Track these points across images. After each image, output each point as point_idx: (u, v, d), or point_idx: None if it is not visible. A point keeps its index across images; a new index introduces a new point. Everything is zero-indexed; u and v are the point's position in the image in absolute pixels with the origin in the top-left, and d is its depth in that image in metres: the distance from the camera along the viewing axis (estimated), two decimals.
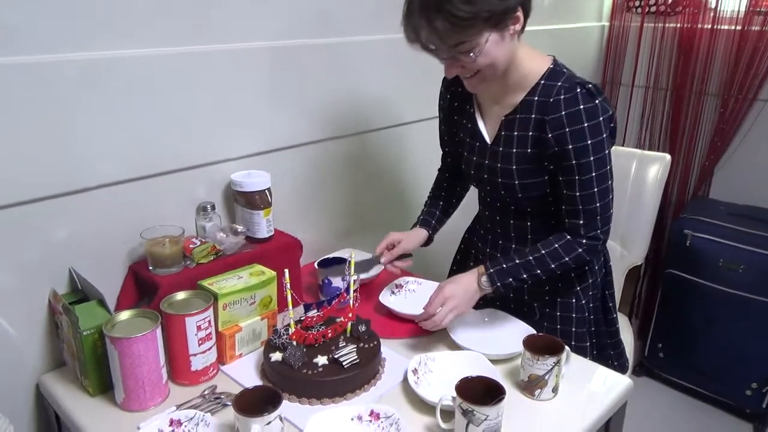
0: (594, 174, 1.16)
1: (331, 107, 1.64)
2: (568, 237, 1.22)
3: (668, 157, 1.93)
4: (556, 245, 1.23)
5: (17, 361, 1.19)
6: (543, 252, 1.23)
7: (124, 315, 1.12)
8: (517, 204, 1.32)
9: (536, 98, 1.20)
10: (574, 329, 1.37)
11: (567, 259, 1.22)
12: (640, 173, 1.94)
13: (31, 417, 1.24)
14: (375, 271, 1.47)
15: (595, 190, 1.17)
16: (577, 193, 1.18)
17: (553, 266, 1.22)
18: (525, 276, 1.23)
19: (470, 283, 1.25)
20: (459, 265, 1.59)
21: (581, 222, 1.21)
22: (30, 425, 1.25)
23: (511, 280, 1.23)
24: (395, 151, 1.90)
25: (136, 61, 1.22)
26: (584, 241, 1.22)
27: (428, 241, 1.45)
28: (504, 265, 1.23)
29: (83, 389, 1.15)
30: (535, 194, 1.26)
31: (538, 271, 1.22)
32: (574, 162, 1.16)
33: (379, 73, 1.74)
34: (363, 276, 1.42)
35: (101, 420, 1.07)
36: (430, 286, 1.48)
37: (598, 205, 1.19)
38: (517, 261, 1.23)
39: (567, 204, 1.21)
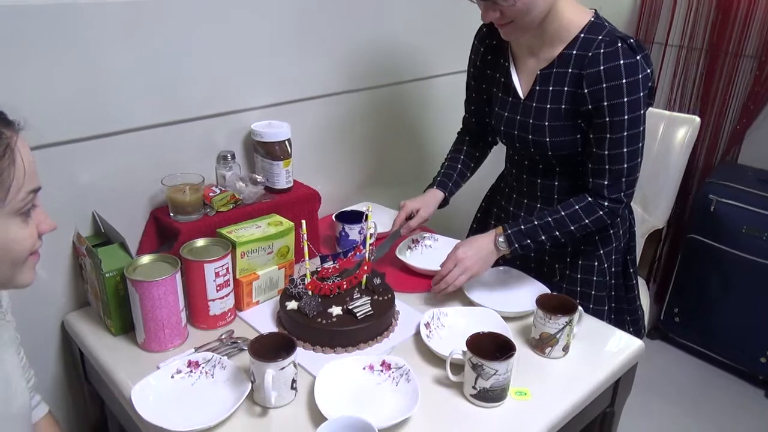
0: (626, 134, 1.13)
1: (355, 58, 1.62)
2: (590, 199, 1.20)
3: (697, 119, 1.88)
4: (577, 207, 1.20)
5: (44, 300, 1.23)
6: (563, 213, 1.21)
7: (145, 259, 1.14)
8: (546, 163, 1.29)
9: (575, 52, 1.16)
10: (593, 292, 1.36)
11: (587, 221, 1.20)
12: (667, 135, 1.90)
13: (57, 353, 1.29)
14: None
15: (625, 150, 1.14)
16: (606, 152, 1.15)
17: (572, 228, 1.21)
18: (543, 238, 1.21)
19: (486, 244, 1.23)
20: (480, 224, 1.58)
21: (605, 182, 1.18)
22: (56, 361, 1.30)
23: (529, 241, 1.21)
24: (420, 105, 1.87)
25: (161, 7, 1.21)
26: (606, 203, 1.19)
27: (444, 203, 1.43)
28: (522, 227, 1.21)
29: (106, 329, 1.19)
30: (565, 153, 1.23)
31: (557, 233, 1.21)
32: (607, 119, 1.13)
33: (406, 23, 1.70)
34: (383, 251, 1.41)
35: (123, 358, 1.11)
36: (446, 242, 1.49)
37: (625, 166, 1.16)
38: (536, 222, 1.21)
39: (593, 162, 1.19)
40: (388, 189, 1.86)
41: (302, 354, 1.11)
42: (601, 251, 1.34)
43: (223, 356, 1.06)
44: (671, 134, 1.89)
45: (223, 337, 1.16)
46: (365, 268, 1.24)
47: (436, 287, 1.25)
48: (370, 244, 1.24)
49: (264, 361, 0.95)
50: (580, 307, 1.13)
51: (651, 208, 1.94)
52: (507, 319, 1.20)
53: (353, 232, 1.48)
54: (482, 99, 1.40)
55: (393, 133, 1.83)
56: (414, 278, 1.37)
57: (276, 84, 1.47)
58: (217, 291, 1.16)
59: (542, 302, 1.13)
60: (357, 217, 1.50)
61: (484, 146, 1.50)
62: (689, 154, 1.89)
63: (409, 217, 1.37)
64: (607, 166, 1.17)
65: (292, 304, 1.17)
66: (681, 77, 2.54)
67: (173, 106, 1.30)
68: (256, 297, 1.27)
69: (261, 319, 1.23)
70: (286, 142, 1.41)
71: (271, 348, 0.98)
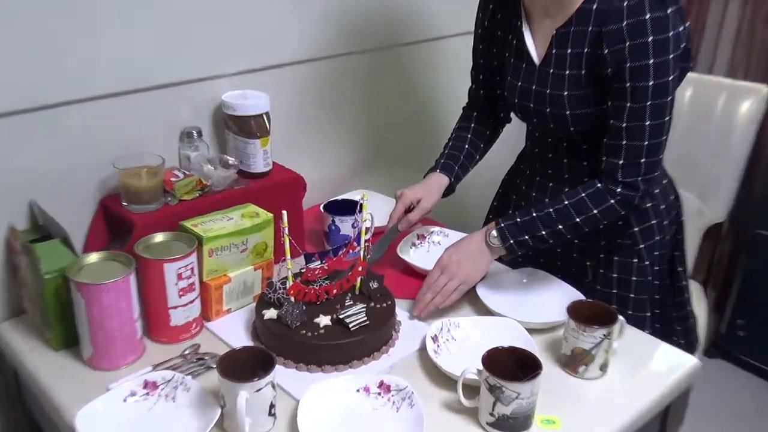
0: (649, 103, 1.14)
1: (348, 15, 1.61)
2: (599, 185, 1.22)
3: (766, 89, 1.88)
4: (583, 194, 1.22)
5: None
6: (566, 203, 1.22)
7: (93, 257, 1.14)
8: (571, 139, 1.31)
9: (594, 6, 1.17)
10: (632, 295, 1.36)
11: (595, 212, 1.21)
12: (728, 109, 1.89)
13: None
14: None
15: (647, 123, 1.15)
16: (624, 124, 1.17)
17: (577, 220, 1.22)
18: (544, 233, 1.22)
19: (476, 242, 1.26)
20: (497, 214, 1.58)
21: (620, 162, 1.19)
22: None
23: (526, 237, 1.22)
24: (425, 72, 1.87)
25: None
26: (618, 189, 1.20)
27: (449, 190, 1.43)
28: (518, 219, 1.23)
29: (46, 342, 1.19)
30: (589, 128, 1.25)
31: (560, 227, 1.22)
32: (628, 84, 1.14)
33: None
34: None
35: (66, 378, 1.10)
36: (458, 238, 1.48)
37: (645, 143, 1.17)
38: (535, 214, 1.22)
39: (609, 137, 1.20)
40: (388, 173, 1.86)
41: (282, 373, 1.11)
42: (642, 246, 1.35)
43: (187, 375, 1.06)
44: (734, 107, 1.88)
45: (186, 352, 1.16)
46: (359, 269, 1.24)
47: (419, 303, 1.26)
48: (366, 241, 1.23)
49: (236, 381, 0.94)
50: (621, 317, 1.13)
51: (709, 198, 1.94)
52: (531, 331, 1.20)
53: (345, 225, 1.48)
54: (492, 66, 1.41)
55: (393, 106, 1.83)
56: (418, 282, 1.35)
57: (252, 46, 1.47)
58: (180, 297, 1.16)
59: (575, 311, 1.12)
60: (350, 208, 1.49)
61: (495, 123, 1.51)
62: (756, 132, 1.88)
63: (409, 210, 1.37)
64: (624, 142, 1.18)
65: (270, 313, 1.17)
66: (747, 37, 2.53)
67: (127, 73, 1.29)
68: (228, 304, 1.27)
69: (233, 330, 1.23)
70: (264, 117, 1.41)
71: (244, 366, 0.98)
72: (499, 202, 1.59)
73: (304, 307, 1.17)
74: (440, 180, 1.41)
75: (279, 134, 1.49)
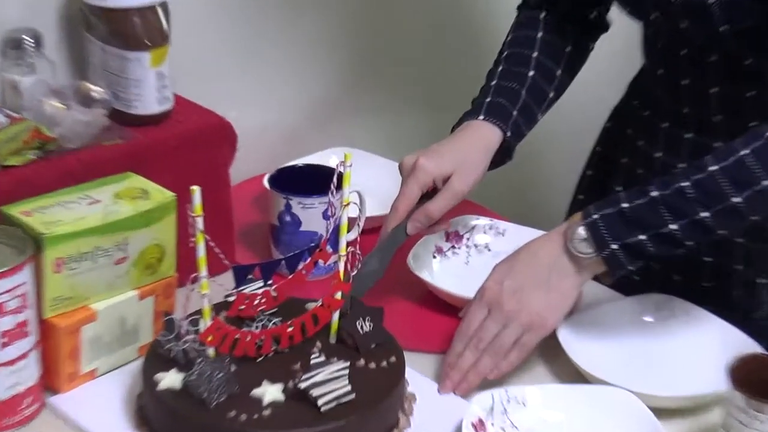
0: None
1: None
2: None
3: None
4: (745, 152, 1.21)
5: None
6: (713, 169, 1.21)
7: None
8: (722, 50, 1.33)
9: None
10: None
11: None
12: None
13: None
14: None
15: None
16: None
17: (736, 200, 1.20)
18: (674, 227, 1.21)
19: (547, 253, 1.28)
20: (592, 192, 1.60)
21: None
22: None
23: (641, 237, 1.22)
24: None
25: None
26: None
27: (503, 155, 1.44)
28: (624, 205, 1.24)
29: None
30: (756, 25, 1.25)
31: (704, 214, 1.21)
32: None
33: None
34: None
35: None
36: (523, 236, 1.46)
37: None
38: (655, 193, 1.23)
39: None
40: (389, 120, 1.89)
41: None
42: None
43: None
44: None
45: None
46: (338, 296, 1.23)
47: (452, 372, 1.28)
48: (350, 244, 1.23)
49: None
50: None
51: None
52: (660, 411, 1.19)
53: (310, 213, 1.49)
54: None
55: None
56: (448, 320, 1.38)
57: None
58: (2, 347, 1.14)
59: (742, 374, 1.11)
60: (318, 181, 1.47)
61: (581, 32, 1.55)
62: None
63: (428, 194, 1.37)
64: None
65: (170, 378, 1.16)
66: None
67: None
68: (91, 362, 1.26)
69: (100, 410, 1.23)
70: (159, 10, 1.41)
71: None
72: (595, 171, 1.62)
73: (233, 368, 1.15)
74: (484, 136, 1.41)
75: (187, 45, 1.51)
